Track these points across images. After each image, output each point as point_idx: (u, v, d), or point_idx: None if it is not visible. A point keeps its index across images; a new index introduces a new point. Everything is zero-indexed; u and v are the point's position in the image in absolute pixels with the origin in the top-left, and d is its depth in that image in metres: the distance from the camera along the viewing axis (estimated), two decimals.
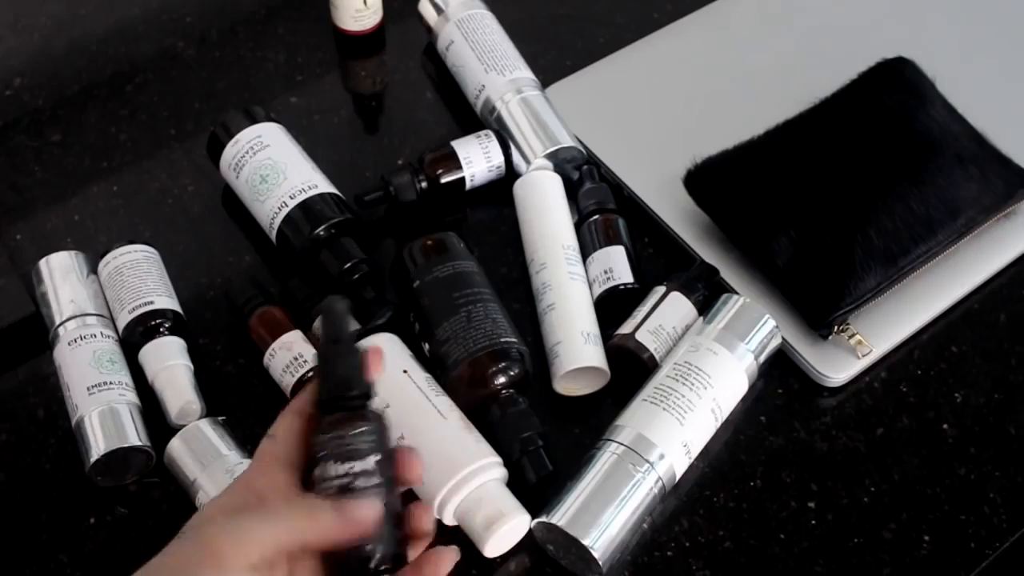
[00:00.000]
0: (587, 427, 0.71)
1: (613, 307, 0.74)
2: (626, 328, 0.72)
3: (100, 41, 0.92)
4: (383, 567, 0.49)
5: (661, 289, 0.73)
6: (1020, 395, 0.73)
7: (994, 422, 0.72)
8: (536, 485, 0.66)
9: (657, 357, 0.71)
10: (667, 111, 0.86)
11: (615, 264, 0.75)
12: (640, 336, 0.71)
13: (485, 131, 0.81)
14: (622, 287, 0.74)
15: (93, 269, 0.74)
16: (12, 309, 0.74)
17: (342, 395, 0.50)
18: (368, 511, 0.49)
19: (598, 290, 0.75)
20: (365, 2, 0.89)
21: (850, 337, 0.72)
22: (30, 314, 0.73)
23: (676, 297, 0.72)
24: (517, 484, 0.66)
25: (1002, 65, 0.89)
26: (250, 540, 0.47)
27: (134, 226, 0.80)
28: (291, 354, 0.70)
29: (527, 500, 0.65)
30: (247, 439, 0.68)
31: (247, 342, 0.73)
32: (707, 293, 0.74)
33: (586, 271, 0.76)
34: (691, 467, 0.68)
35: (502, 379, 0.68)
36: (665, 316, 0.72)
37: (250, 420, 0.70)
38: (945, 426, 0.72)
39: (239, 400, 0.72)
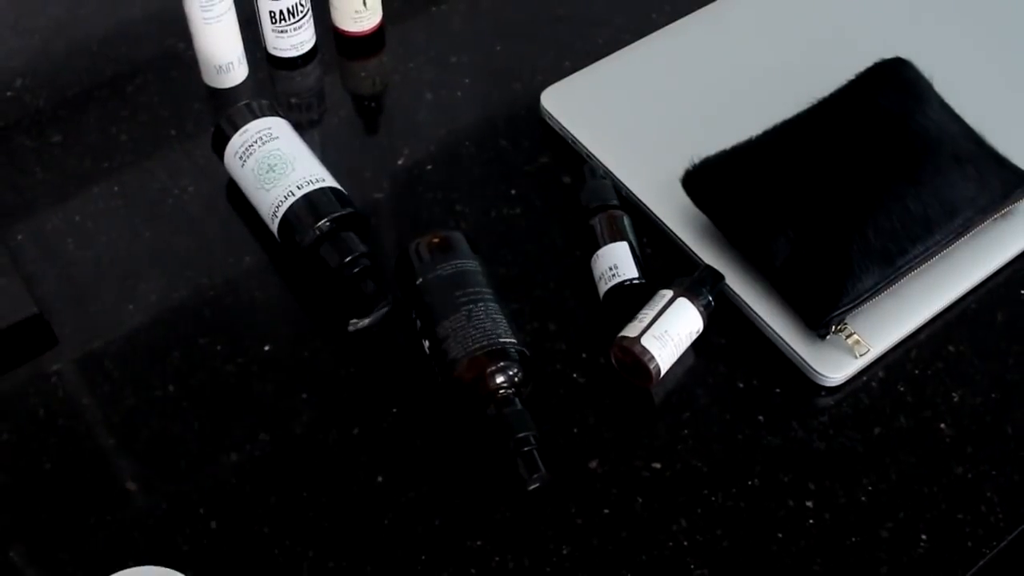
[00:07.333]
0: (585, 429, 0.71)
1: (619, 303, 0.74)
2: (631, 331, 0.72)
3: (101, 42, 0.92)
4: None
5: (668, 293, 0.73)
6: (1017, 394, 0.73)
7: (991, 421, 0.72)
8: (529, 485, 0.66)
9: (661, 364, 0.71)
10: (665, 112, 0.86)
11: (620, 260, 0.75)
12: (646, 341, 0.71)
13: None
14: (627, 283, 0.74)
15: None
16: (13, 309, 0.74)
17: None
18: None
19: (604, 287, 0.75)
20: (365, 3, 0.89)
21: (848, 337, 0.72)
22: (31, 315, 0.73)
23: (682, 303, 0.72)
24: (511, 482, 0.66)
25: (1000, 65, 0.89)
26: None
27: (134, 226, 0.80)
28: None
29: (522, 498, 0.64)
30: (244, 441, 0.69)
31: (247, 342, 0.74)
32: (712, 298, 0.74)
33: (592, 267, 0.76)
34: (690, 467, 0.68)
35: (500, 378, 0.68)
36: (671, 322, 0.72)
37: (250, 420, 0.71)
38: (942, 425, 0.72)
39: (239, 400, 0.72)
